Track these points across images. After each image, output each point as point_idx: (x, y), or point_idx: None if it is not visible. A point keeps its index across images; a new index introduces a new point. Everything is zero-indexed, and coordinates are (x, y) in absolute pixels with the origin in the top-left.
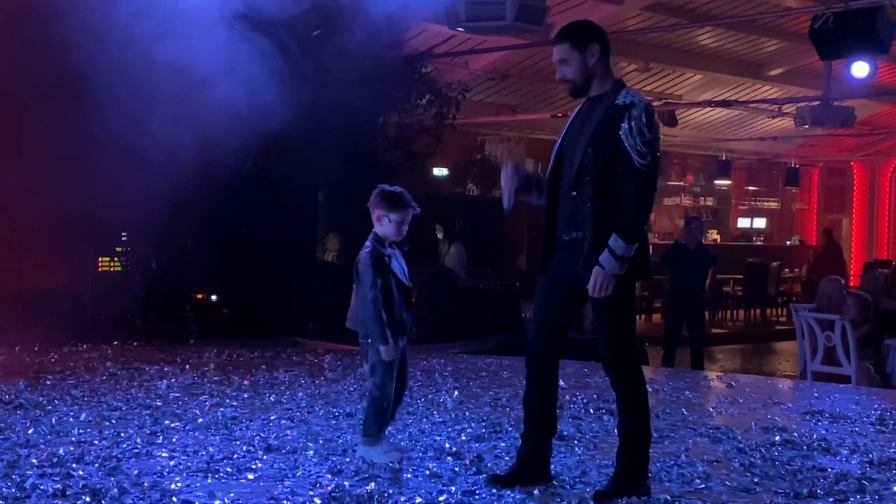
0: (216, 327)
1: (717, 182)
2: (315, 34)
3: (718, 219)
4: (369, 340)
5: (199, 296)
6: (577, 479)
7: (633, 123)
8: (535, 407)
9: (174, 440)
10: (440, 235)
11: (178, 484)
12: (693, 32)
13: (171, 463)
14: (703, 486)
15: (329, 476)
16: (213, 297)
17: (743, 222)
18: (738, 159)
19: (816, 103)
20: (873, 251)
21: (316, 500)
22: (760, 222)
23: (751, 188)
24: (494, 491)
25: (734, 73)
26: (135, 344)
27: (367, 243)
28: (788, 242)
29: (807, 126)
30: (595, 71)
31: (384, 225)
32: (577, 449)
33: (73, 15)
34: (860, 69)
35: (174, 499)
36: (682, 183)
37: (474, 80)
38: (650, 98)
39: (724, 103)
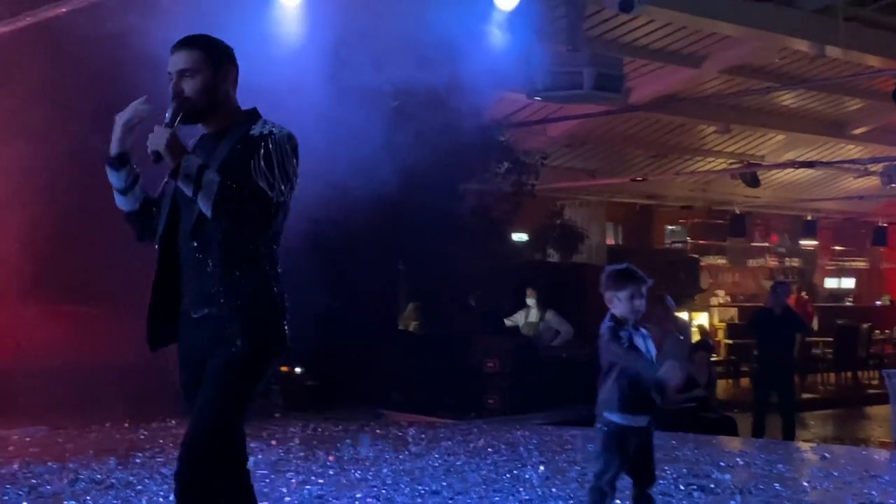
0: (301, 400)
1: (802, 242)
2: (394, 106)
3: (805, 279)
4: (601, 426)
5: (284, 368)
6: None
7: (269, 154)
8: None
9: None
10: (531, 302)
11: None
12: (773, 93)
13: None
14: None
15: None
16: (297, 370)
17: (830, 283)
18: (823, 219)
19: None
20: None
21: None
22: (849, 282)
23: (837, 248)
24: None
25: (817, 133)
26: None
27: (605, 321)
28: (878, 303)
29: (894, 185)
30: (223, 99)
31: (616, 305)
32: None
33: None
34: None
35: None
36: (766, 244)
37: (552, 146)
38: (732, 161)
39: (808, 164)
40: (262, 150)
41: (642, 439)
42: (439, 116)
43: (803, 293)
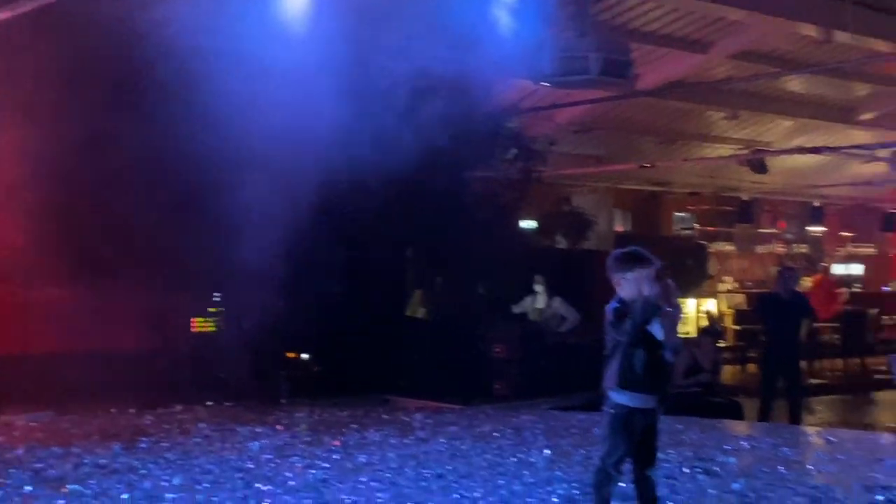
0: (307, 386)
1: (809, 228)
2: (402, 92)
3: (812, 265)
4: (608, 409)
5: (291, 355)
6: None
7: None
8: None
9: None
10: (539, 288)
11: None
12: (782, 79)
13: None
14: None
15: None
16: (304, 356)
17: (839, 269)
18: (831, 205)
19: None
20: None
21: None
22: (857, 268)
23: (845, 234)
24: None
25: (825, 119)
26: (227, 404)
27: (612, 302)
28: (886, 288)
29: None
30: None
31: (624, 287)
32: None
33: (173, 77)
34: None
35: None
36: (773, 230)
37: (560, 132)
38: (740, 147)
39: (816, 150)
40: None
41: (648, 420)
42: (447, 103)
43: (828, 275)
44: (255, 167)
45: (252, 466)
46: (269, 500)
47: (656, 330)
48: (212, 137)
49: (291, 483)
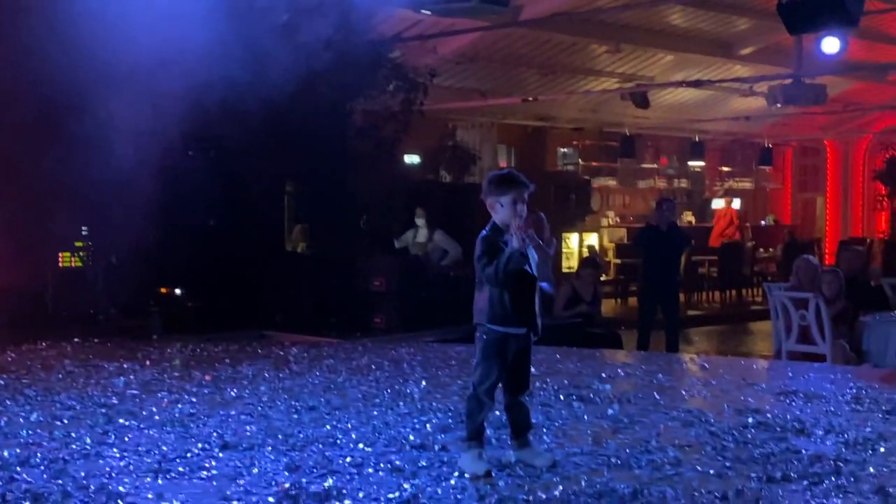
0: (180, 322)
1: (690, 163)
2: (282, 21)
3: (693, 200)
4: (480, 335)
5: (163, 290)
6: (545, 469)
7: None
8: None
9: (126, 439)
10: (420, 222)
11: (126, 486)
12: (663, 12)
13: (121, 464)
14: (673, 472)
15: (286, 473)
16: (178, 291)
17: (717, 203)
18: (711, 140)
19: (788, 81)
20: (848, 229)
21: (270, 499)
22: (735, 203)
23: (724, 169)
24: (457, 485)
25: (705, 53)
26: (95, 341)
27: (485, 230)
28: (763, 222)
29: (779, 105)
30: None
31: (498, 211)
32: (545, 437)
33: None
34: (831, 45)
35: (120, 502)
36: (655, 165)
37: (443, 64)
38: (622, 81)
39: (696, 83)
40: None
41: (521, 345)
42: (326, 28)
43: (732, 206)
44: (124, 92)
45: (116, 402)
46: (131, 435)
47: (530, 265)
48: (77, 58)
49: (156, 418)
